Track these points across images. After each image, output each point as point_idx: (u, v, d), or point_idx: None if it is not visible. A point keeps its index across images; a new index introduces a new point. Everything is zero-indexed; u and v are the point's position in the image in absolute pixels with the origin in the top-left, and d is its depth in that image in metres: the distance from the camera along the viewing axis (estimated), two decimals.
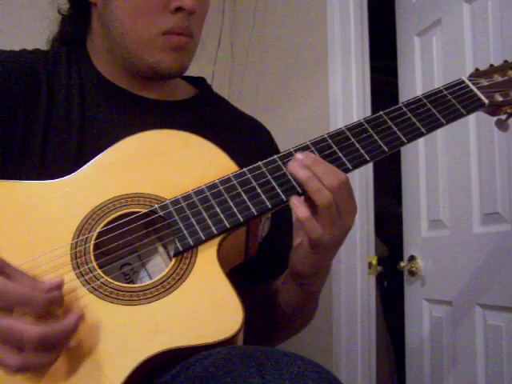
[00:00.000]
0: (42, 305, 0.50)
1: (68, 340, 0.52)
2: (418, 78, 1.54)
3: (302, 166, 0.62)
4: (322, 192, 0.61)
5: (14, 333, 0.48)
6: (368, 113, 1.62)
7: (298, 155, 0.63)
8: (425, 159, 1.50)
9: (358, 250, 1.54)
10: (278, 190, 0.64)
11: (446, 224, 1.40)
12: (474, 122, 1.29)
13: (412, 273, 1.51)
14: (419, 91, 1.51)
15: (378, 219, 1.64)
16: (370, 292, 1.57)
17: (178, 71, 0.77)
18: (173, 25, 0.72)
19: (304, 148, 0.66)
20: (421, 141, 1.47)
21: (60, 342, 0.51)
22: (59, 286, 0.52)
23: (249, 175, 0.65)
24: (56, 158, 0.71)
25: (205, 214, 0.63)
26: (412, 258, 1.51)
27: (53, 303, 0.52)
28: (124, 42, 0.74)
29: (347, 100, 1.60)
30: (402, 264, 1.54)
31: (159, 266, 0.66)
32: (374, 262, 1.56)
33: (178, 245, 0.61)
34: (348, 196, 0.63)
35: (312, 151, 0.66)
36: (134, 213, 0.63)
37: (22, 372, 0.50)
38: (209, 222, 0.62)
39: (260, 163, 0.66)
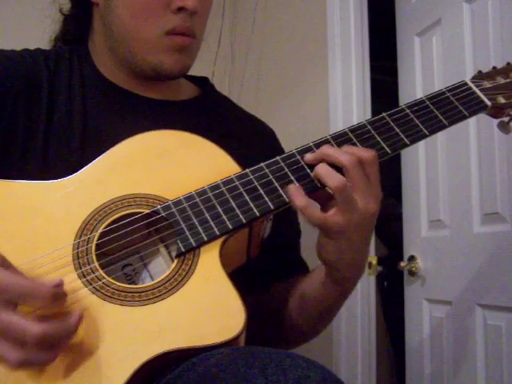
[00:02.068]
0: (47, 298, 0.50)
1: (69, 340, 0.52)
2: (418, 78, 1.54)
3: (315, 157, 0.64)
4: (333, 175, 0.61)
5: (17, 329, 0.48)
6: (368, 113, 1.62)
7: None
8: (425, 159, 1.50)
9: None
10: (281, 191, 0.64)
11: (446, 224, 1.40)
12: (474, 123, 1.29)
13: (412, 273, 1.51)
14: (419, 91, 1.51)
15: (377, 219, 1.64)
16: (370, 292, 1.57)
17: (180, 72, 0.77)
18: (175, 24, 0.72)
19: (307, 149, 0.66)
20: (421, 141, 1.47)
21: (61, 341, 0.51)
22: (60, 284, 0.52)
23: (251, 176, 0.65)
24: (58, 159, 0.71)
25: (207, 215, 0.63)
26: (412, 258, 1.52)
27: (56, 298, 0.52)
28: (126, 42, 0.74)
29: (347, 100, 1.60)
30: (402, 264, 1.54)
31: (161, 266, 0.66)
32: (374, 262, 1.56)
33: (181, 245, 0.61)
34: (365, 176, 0.61)
35: (314, 151, 0.66)
36: (136, 213, 0.63)
37: (23, 368, 0.50)
38: (211, 223, 0.62)
39: (262, 164, 0.66)
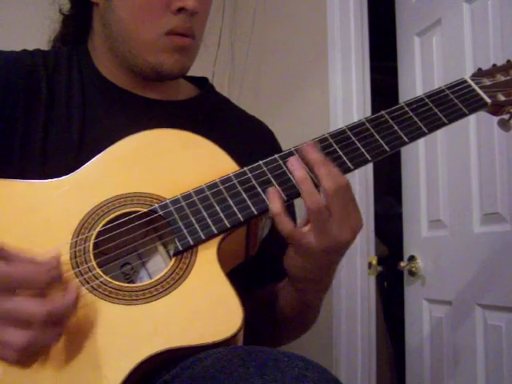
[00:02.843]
0: (45, 282, 0.51)
1: (71, 314, 0.53)
2: (418, 78, 1.54)
3: (301, 166, 0.61)
4: (313, 196, 0.59)
5: (21, 311, 0.49)
6: (368, 113, 1.62)
7: (305, 150, 0.62)
8: (425, 159, 1.50)
9: (358, 250, 1.54)
10: (279, 189, 0.63)
11: (446, 224, 1.40)
12: (474, 122, 1.29)
13: (412, 273, 1.51)
14: (419, 91, 1.51)
15: (377, 219, 1.64)
16: (370, 292, 1.57)
17: (180, 72, 0.77)
18: (175, 25, 0.72)
19: None
20: (421, 141, 1.46)
21: (64, 316, 0.52)
22: (57, 257, 0.53)
23: (249, 174, 0.65)
24: (56, 158, 0.71)
25: (205, 213, 0.63)
26: (412, 258, 1.51)
27: (54, 279, 0.52)
28: (126, 42, 0.74)
29: (347, 100, 1.60)
30: (402, 264, 1.53)
31: (159, 265, 0.65)
32: (374, 262, 1.56)
33: (178, 244, 0.61)
34: (344, 204, 0.59)
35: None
36: (133, 212, 0.63)
37: (28, 352, 0.50)
38: (209, 221, 0.62)
39: (260, 162, 0.65)
